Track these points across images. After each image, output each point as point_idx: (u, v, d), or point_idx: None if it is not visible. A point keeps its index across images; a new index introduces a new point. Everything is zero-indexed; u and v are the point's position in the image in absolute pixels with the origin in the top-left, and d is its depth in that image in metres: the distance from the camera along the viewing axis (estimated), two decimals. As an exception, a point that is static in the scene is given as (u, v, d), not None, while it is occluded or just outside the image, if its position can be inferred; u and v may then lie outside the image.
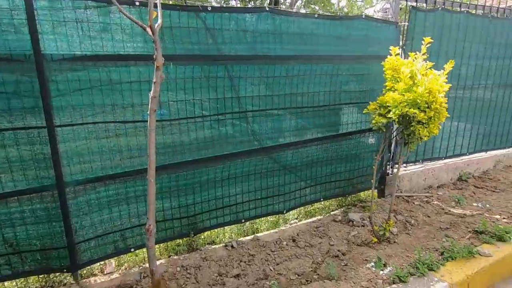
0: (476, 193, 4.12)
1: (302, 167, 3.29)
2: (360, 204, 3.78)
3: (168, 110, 2.58)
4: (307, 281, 2.48)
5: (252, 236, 3.09)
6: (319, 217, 3.53)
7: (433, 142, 4.34)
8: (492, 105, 4.79)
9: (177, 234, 2.76)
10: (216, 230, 3.06)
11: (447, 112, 2.65)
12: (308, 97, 3.13)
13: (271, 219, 3.39)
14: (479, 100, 4.64)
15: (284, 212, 3.33)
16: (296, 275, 2.55)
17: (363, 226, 3.23)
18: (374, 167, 2.95)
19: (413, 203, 3.79)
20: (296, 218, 3.56)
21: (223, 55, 2.63)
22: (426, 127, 2.60)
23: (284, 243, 2.97)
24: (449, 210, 3.63)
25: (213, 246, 2.93)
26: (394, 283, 2.39)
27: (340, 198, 3.77)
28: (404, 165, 4.27)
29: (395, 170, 3.97)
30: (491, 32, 4.40)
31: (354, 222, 3.27)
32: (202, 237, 2.99)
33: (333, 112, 3.36)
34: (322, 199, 3.57)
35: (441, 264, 2.59)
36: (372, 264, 2.63)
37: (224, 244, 2.93)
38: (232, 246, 2.88)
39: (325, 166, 3.45)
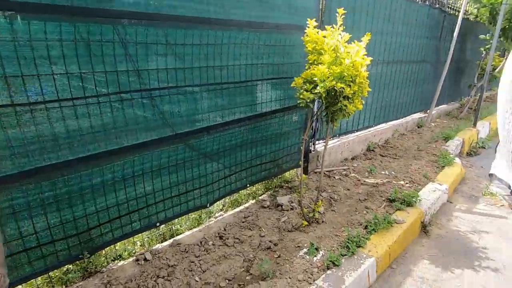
0: (382, 161, 4.51)
1: (224, 153, 2.88)
2: (286, 185, 3.65)
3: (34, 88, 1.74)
4: (239, 286, 2.17)
5: (171, 240, 2.58)
6: (246, 204, 3.24)
7: (347, 117, 4.50)
8: (390, 80, 5.27)
9: (62, 259, 2.03)
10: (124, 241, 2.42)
11: (368, 87, 2.58)
12: (227, 71, 2.66)
13: (193, 215, 2.93)
14: (382, 76, 5.02)
15: (208, 205, 2.90)
16: (227, 281, 2.20)
17: (292, 209, 3.08)
18: (302, 146, 2.76)
19: (334, 177, 3.88)
20: (222, 210, 3.18)
21: (110, 11, 1.89)
22: (351, 103, 2.49)
23: (210, 243, 2.57)
24: (365, 181, 3.84)
25: (120, 263, 2.30)
26: (328, 268, 2.29)
27: (267, 181, 3.55)
28: (323, 141, 4.33)
29: (318, 148, 3.95)
30: (393, 9, 4.70)
31: (283, 206, 3.10)
32: (104, 253, 2.32)
33: (255, 89, 2.99)
34: (248, 185, 3.27)
35: (366, 238, 2.63)
36: (305, 250, 2.49)
37: (135, 258, 2.34)
38: (145, 259, 2.32)
39: (250, 149, 3.12)
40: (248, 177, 3.23)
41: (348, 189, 3.63)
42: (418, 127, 6.37)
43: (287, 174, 3.92)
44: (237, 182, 3.13)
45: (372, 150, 4.90)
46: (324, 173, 3.99)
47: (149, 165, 2.32)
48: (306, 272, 2.25)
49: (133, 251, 2.45)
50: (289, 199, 3.21)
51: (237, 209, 3.14)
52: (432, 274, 2.54)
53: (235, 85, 2.75)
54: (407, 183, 3.77)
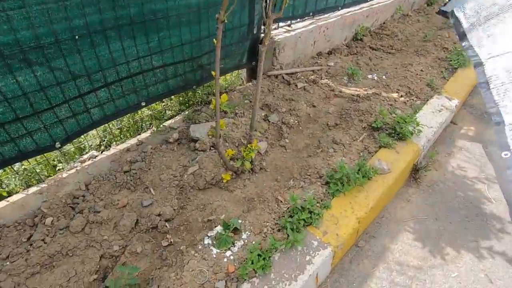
0: (372, 58, 3.09)
1: (83, 44, 1.38)
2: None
3: None
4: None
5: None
6: (142, 136, 1.96)
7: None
8: None
9: None
10: None
11: None
12: None
13: (40, 160, 1.66)
14: None
15: (58, 146, 1.60)
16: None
17: (212, 147, 1.86)
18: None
19: (296, 85, 2.53)
20: (100, 147, 1.92)
21: None
22: None
23: (48, 221, 1.42)
24: (340, 91, 2.54)
25: None
26: (245, 279, 1.28)
27: (182, 94, 2.17)
28: (288, 22, 2.72)
29: (278, 35, 2.40)
30: None
31: (198, 143, 1.86)
32: None
33: None
34: (144, 103, 1.90)
35: (325, 207, 1.57)
36: (214, 234, 1.43)
37: None
38: None
39: (144, 37, 1.60)
40: (143, 88, 1.83)
41: (314, 106, 2.36)
42: (428, 5, 4.62)
43: (223, 79, 2.51)
44: (118, 100, 1.75)
45: (360, 40, 3.38)
46: (283, 78, 2.60)
47: None
48: (203, 290, 1.24)
49: None
50: (211, 126, 1.94)
51: (124, 145, 1.88)
52: (416, 257, 1.65)
53: None
54: (401, 96, 2.52)
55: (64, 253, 1.33)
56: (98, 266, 1.33)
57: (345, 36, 3.25)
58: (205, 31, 1.91)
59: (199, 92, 2.26)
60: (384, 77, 2.80)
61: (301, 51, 2.79)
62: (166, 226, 1.50)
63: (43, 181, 1.62)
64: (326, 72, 2.76)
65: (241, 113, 2.14)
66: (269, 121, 2.12)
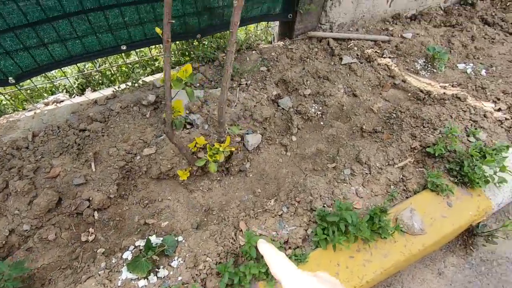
0: (476, 38, 2.06)
1: None
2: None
3: None
4: None
5: None
6: (121, 88, 1.59)
7: None
8: None
9: None
10: None
11: None
12: None
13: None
14: None
15: (13, 81, 1.35)
16: None
17: (190, 124, 1.41)
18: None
19: (340, 59, 1.80)
20: (73, 91, 1.62)
21: None
22: None
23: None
24: (404, 81, 1.75)
25: None
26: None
27: (183, 42, 1.69)
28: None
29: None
30: None
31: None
32: None
33: None
34: (125, 47, 1.49)
35: (297, 259, 1.08)
36: (140, 246, 1.09)
37: None
38: None
39: None
40: (120, 28, 1.40)
41: (355, 95, 1.67)
42: None
43: (242, 31, 1.92)
44: (81, 38, 1.37)
45: (471, 4, 2.28)
46: (328, 44, 1.88)
47: None
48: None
49: None
50: (203, 97, 1.46)
51: (92, 96, 1.54)
52: None
53: None
54: (499, 110, 1.63)
55: (-29, 216, 1.14)
56: (3, 242, 1.12)
57: (449, -6, 2.20)
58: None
59: (205, 43, 1.73)
60: (483, 72, 1.85)
61: (368, 7, 1.95)
62: (93, 216, 1.20)
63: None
64: (396, 46, 1.92)
65: (245, 84, 1.59)
66: (278, 105, 1.55)
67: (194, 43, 1.73)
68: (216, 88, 1.58)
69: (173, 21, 0.94)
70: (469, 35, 2.04)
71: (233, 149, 1.17)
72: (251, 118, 1.42)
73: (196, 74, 1.62)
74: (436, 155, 1.35)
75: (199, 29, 1.61)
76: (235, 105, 1.46)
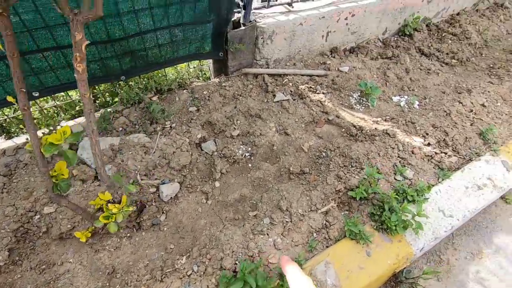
0: (411, 69, 2.11)
1: None
2: (165, 95, 1.69)
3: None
4: None
5: None
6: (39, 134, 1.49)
7: None
8: None
9: None
10: None
11: None
12: None
13: None
14: None
15: None
16: None
17: (96, 177, 1.32)
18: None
19: (274, 96, 1.78)
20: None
21: None
22: None
23: None
24: (338, 116, 1.73)
25: None
26: None
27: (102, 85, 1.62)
28: (288, 0, 1.88)
29: (265, 17, 1.63)
30: None
31: (86, 166, 1.33)
32: None
33: None
34: (38, 94, 1.40)
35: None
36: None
37: None
38: None
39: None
40: (27, 75, 1.32)
41: (287, 133, 1.63)
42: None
43: (173, 70, 1.88)
44: None
45: (409, 35, 2.36)
46: (263, 80, 1.86)
47: None
48: None
49: None
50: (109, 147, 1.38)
51: (4, 145, 1.44)
52: None
53: None
54: (428, 145, 1.63)
55: None
56: None
57: (385, 27, 2.26)
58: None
59: (132, 84, 1.67)
60: (416, 104, 1.88)
61: (303, 43, 1.96)
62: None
63: None
64: (332, 80, 1.92)
65: (169, 127, 1.54)
66: (202, 149, 1.49)
67: (120, 84, 1.67)
68: (139, 132, 1.51)
69: (37, 93, 0.87)
70: (404, 68, 2.08)
71: (130, 209, 1.09)
72: (168, 166, 1.35)
73: (119, 118, 1.55)
74: (358, 199, 1.31)
75: (121, 72, 1.55)
76: (154, 152, 1.40)
